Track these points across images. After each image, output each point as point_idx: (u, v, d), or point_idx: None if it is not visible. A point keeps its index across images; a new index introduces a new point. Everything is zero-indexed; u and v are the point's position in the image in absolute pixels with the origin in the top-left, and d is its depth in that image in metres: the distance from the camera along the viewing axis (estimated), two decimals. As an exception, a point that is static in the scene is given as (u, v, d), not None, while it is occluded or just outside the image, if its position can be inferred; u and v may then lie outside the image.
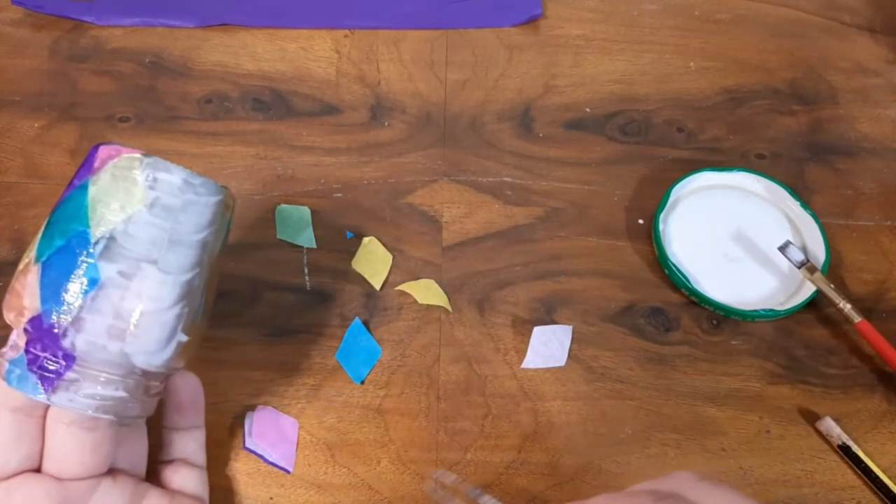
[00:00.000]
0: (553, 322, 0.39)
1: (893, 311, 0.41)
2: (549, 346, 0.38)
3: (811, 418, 0.37)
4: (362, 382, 0.37)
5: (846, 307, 0.38)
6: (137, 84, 0.48)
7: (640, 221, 0.43)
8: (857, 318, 0.38)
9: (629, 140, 0.47)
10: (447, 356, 0.38)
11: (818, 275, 0.39)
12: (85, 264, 0.25)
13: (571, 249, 0.42)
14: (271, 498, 0.34)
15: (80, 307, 0.25)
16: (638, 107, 0.48)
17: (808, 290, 0.40)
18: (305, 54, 0.50)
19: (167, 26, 0.51)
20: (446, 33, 0.51)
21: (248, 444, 0.35)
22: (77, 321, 0.25)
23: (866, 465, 0.35)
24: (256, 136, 0.46)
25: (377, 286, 0.40)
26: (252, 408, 0.36)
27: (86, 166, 0.27)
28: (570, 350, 0.39)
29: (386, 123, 0.47)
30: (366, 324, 0.39)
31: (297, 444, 0.35)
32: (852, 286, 0.42)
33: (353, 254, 0.41)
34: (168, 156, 0.44)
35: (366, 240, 0.41)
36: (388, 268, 0.40)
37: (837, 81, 0.51)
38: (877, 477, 0.35)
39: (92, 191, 0.26)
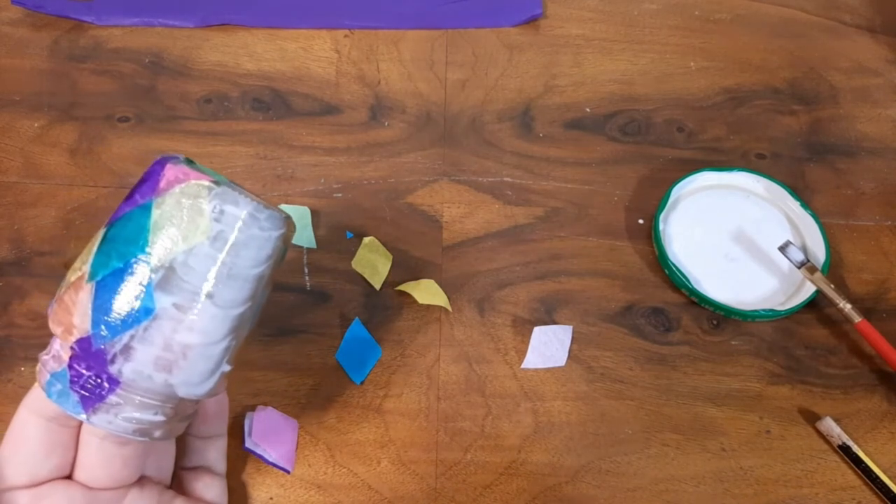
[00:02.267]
0: (553, 322, 0.39)
1: (893, 311, 0.41)
2: (549, 346, 0.38)
3: (811, 418, 0.37)
4: (362, 382, 0.37)
5: (846, 307, 0.38)
6: (137, 84, 0.48)
7: (640, 221, 0.43)
8: (857, 318, 0.38)
9: (629, 140, 0.47)
10: (447, 356, 0.38)
11: (818, 275, 0.39)
12: (141, 293, 0.24)
13: (571, 249, 0.42)
14: (271, 498, 0.34)
15: (132, 336, 0.24)
16: (638, 106, 0.48)
17: (809, 290, 0.40)
18: (305, 54, 0.50)
19: (167, 26, 0.51)
20: (446, 33, 0.51)
21: (247, 445, 0.35)
22: (127, 349, 0.25)
23: (866, 466, 0.35)
24: (256, 135, 0.46)
25: (377, 286, 0.40)
26: (252, 408, 0.36)
27: (149, 183, 0.26)
28: (570, 350, 0.39)
29: (386, 123, 0.47)
30: (366, 324, 0.39)
31: (297, 444, 0.35)
32: (852, 286, 0.42)
33: (353, 254, 0.41)
34: (168, 156, 0.44)
35: (366, 240, 0.41)
36: (388, 268, 0.40)
37: (838, 81, 0.51)
38: (877, 477, 0.35)
39: (155, 214, 0.25)
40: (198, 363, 0.26)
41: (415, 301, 0.40)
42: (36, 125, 0.45)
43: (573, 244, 0.42)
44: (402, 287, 0.40)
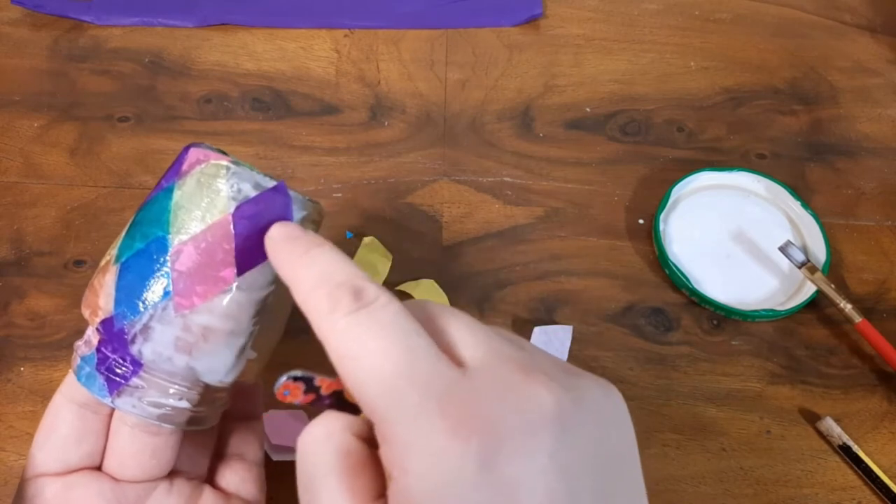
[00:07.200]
0: (553, 322, 0.39)
1: (894, 310, 0.41)
2: (549, 346, 0.38)
3: (811, 418, 0.37)
4: (362, 382, 0.37)
5: (847, 307, 0.38)
6: (137, 84, 0.48)
7: (641, 221, 0.43)
8: (857, 318, 0.38)
9: (629, 140, 0.47)
10: (447, 356, 0.38)
11: (819, 275, 0.39)
12: (160, 272, 0.24)
13: (571, 249, 0.42)
14: (271, 498, 0.34)
15: (151, 316, 0.24)
16: (638, 106, 0.48)
17: (809, 290, 0.40)
18: (305, 54, 0.50)
19: (166, 26, 0.50)
20: (446, 33, 0.51)
21: (274, 457, 0.33)
22: (146, 329, 0.24)
23: (867, 466, 0.35)
24: (256, 135, 0.46)
25: (377, 286, 0.40)
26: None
27: (175, 167, 0.26)
28: (570, 350, 0.38)
29: (386, 123, 0.47)
30: (366, 324, 0.39)
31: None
32: (853, 286, 0.42)
33: (353, 254, 0.41)
34: (168, 156, 0.44)
35: (366, 240, 0.41)
36: (388, 268, 0.40)
37: (838, 81, 0.51)
38: (877, 477, 0.35)
39: (176, 195, 0.25)
40: (219, 346, 0.25)
41: (415, 301, 0.40)
42: (36, 125, 0.45)
43: (573, 244, 0.42)
44: (402, 287, 0.40)
